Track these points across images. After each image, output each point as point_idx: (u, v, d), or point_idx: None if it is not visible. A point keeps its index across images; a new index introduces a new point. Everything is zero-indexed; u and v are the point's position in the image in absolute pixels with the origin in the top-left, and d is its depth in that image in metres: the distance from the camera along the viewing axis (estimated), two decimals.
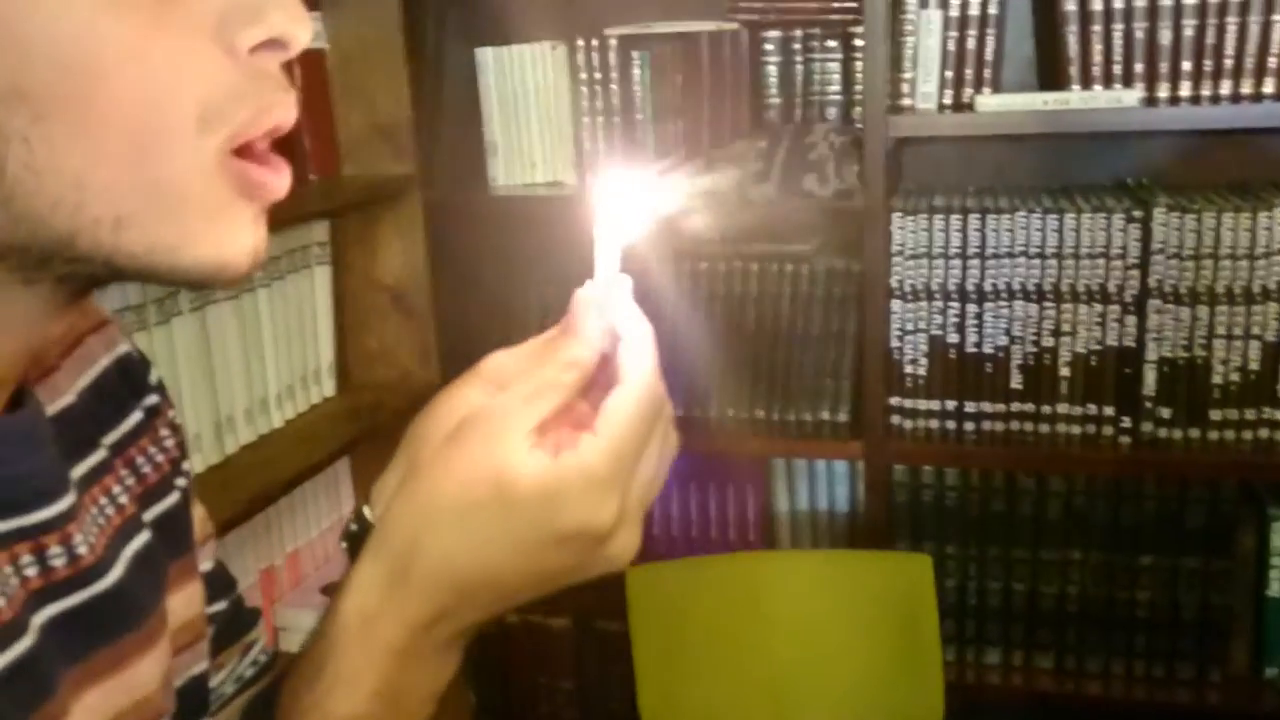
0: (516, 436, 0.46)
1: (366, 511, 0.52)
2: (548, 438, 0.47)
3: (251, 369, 1.29)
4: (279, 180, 0.43)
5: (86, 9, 0.35)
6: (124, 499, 0.50)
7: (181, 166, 0.39)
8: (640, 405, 0.47)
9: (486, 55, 1.74)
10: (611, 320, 0.49)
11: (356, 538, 0.51)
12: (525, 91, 1.75)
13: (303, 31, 0.40)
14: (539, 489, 0.45)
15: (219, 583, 0.59)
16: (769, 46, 1.67)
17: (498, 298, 1.84)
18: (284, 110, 0.42)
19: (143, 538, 0.50)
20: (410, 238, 1.43)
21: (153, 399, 0.56)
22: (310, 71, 1.38)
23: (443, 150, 1.77)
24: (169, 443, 0.56)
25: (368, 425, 1.35)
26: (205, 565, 0.58)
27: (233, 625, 0.60)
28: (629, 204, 0.49)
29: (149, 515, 0.52)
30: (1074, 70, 1.54)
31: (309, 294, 1.39)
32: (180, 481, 0.56)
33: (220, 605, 0.59)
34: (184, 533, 0.55)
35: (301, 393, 1.39)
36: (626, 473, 0.46)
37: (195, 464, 1.20)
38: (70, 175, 0.36)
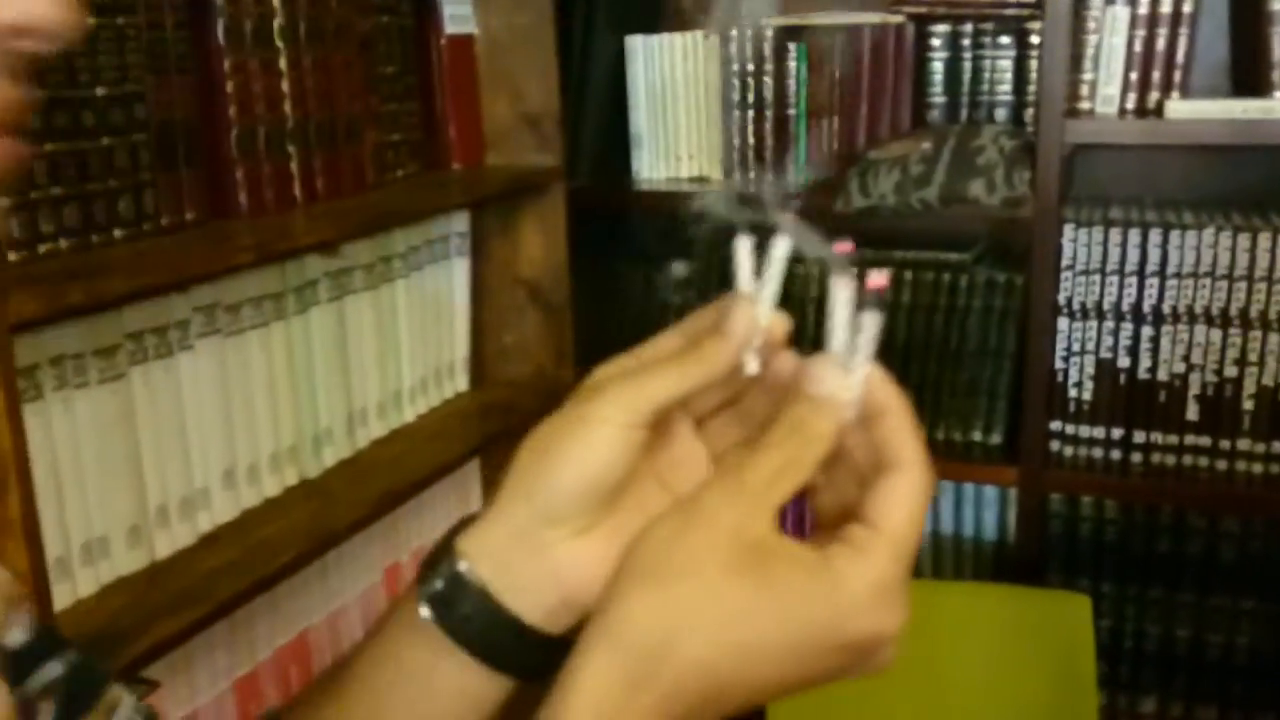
0: (767, 521, 0.41)
1: (463, 567, 0.46)
2: (821, 535, 0.43)
3: (386, 361, 1.26)
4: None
5: None
6: None
7: None
8: (923, 497, 0.43)
9: (636, 43, 1.68)
10: (854, 383, 0.43)
11: (445, 601, 0.46)
12: (674, 82, 1.69)
13: (62, 19, 0.34)
14: (824, 595, 0.41)
15: (42, 650, 0.48)
16: (935, 41, 1.57)
17: (636, 296, 1.78)
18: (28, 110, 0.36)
19: None
20: (552, 231, 1.38)
21: None
22: (458, 58, 1.34)
23: (586, 141, 1.72)
24: None
25: (500, 424, 1.31)
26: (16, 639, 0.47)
27: (82, 690, 0.49)
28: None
29: None
30: (1277, 75, 1.41)
31: (446, 286, 1.35)
32: None
33: (55, 672, 0.48)
34: None
35: (435, 388, 1.35)
36: (909, 571, 0.42)
37: (326, 457, 1.17)
38: None
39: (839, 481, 0.45)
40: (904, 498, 0.42)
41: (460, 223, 1.36)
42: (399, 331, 1.27)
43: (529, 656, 0.46)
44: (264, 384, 1.08)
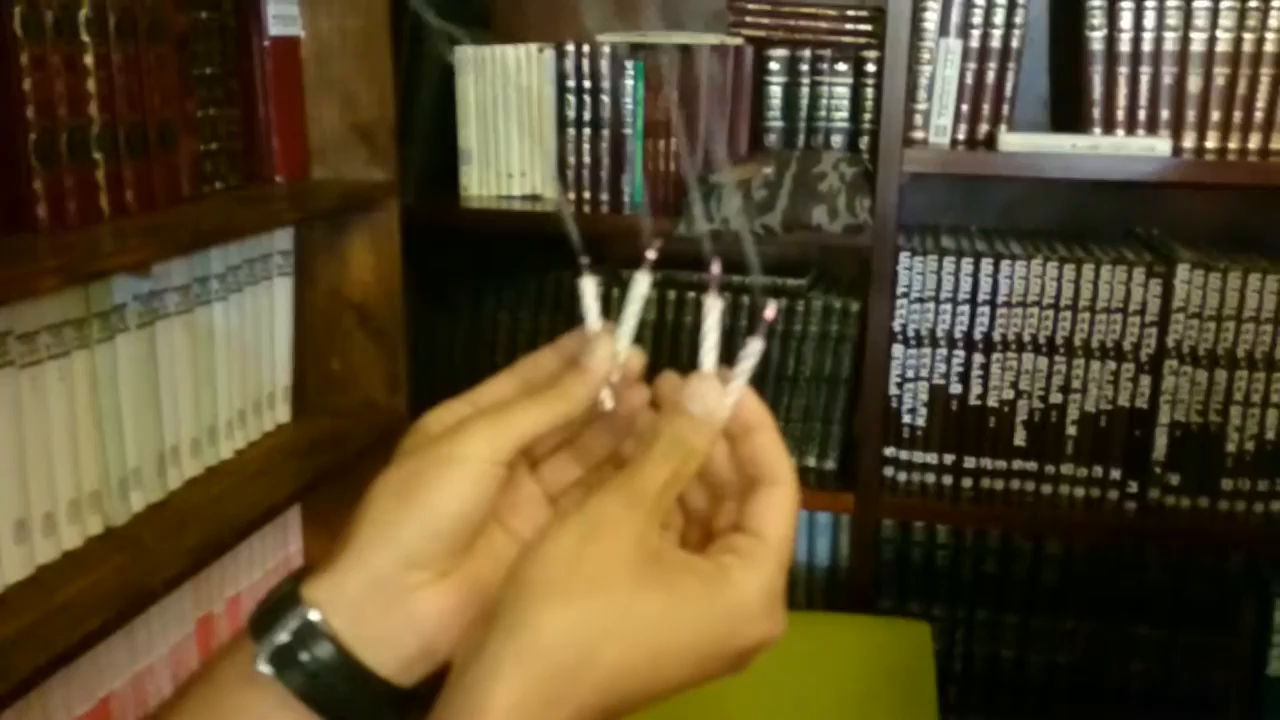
0: (658, 532, 0.43)
1: (315, 617, 0.43)
2: (715, 544, 0.45)
3: (201, 393, 1.13)
4: None
5: None
6: None
7: None
8: (797, 509, 0.45)
9: (466, 54, 1.60)
10: (731, 403, 0.45)
11: (289, 655, 0.42)
12: (505, 96, 1.62)
13: None
14: (725, 604, 0.42)
15: None
16: (774, 65, 1.56)
17: (466, 320, 1.70)
18: None
19: None
20: (384, 251, 1.28)
21: None
22: (282, 62, 1.23)
23: (412, 156, 1.62)
24: None
25: (328, 459, 1.20)
26: None
27: None
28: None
29: None
30: (1097, 113, 1.46)
31: (268, 308, 1.24)
32: None
33: None
34: None
35: (254, 420, 1.23)
36: (786, 576, 0.45)
37: (134, 501, 1.05)
38: None
39: (691, 492, 0.47)
40: (784, 509, 0.45)
41: (284, 240, 1.25)
42: (215, 360, 1.16)
43: (378, 713, 0.44)
44: (63, 421, 0.95)
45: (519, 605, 0.40)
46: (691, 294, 1.61)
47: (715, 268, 0.46)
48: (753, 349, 0.45)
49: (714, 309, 0.46)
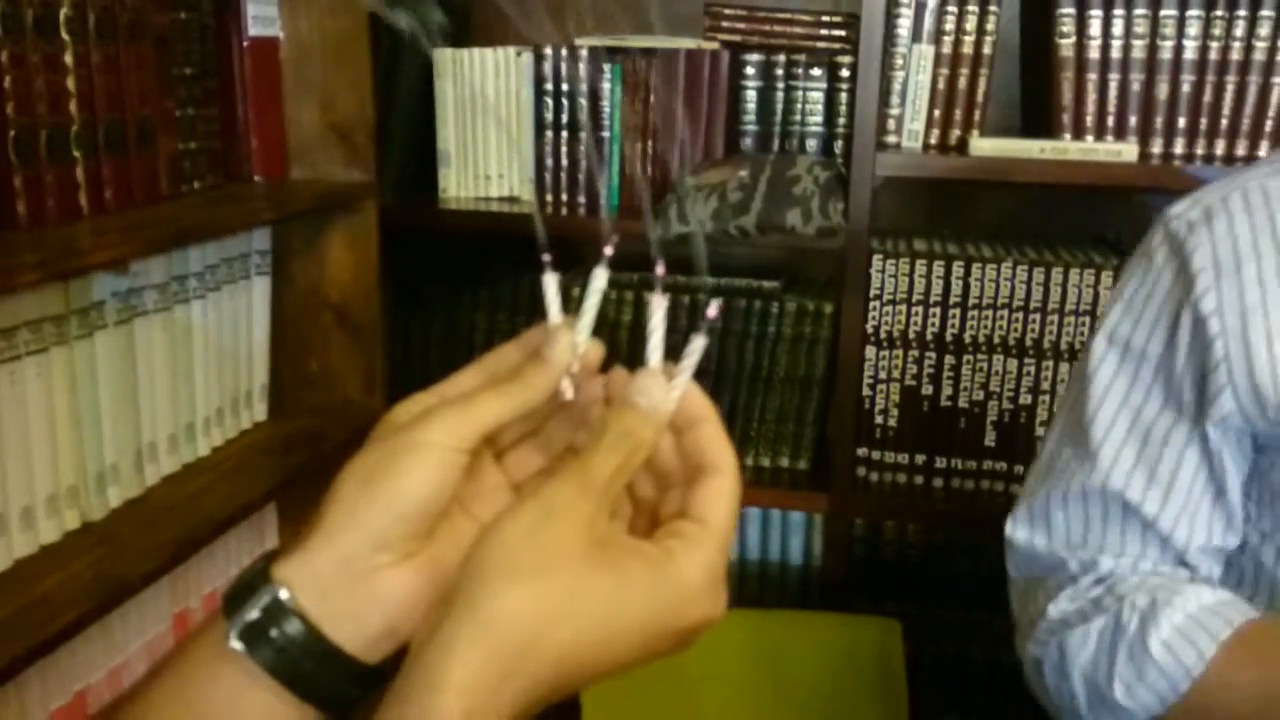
0: (607, 517, 0.45)
1: (283, 595, 0.45)
2: (661, 529, 0.47)
3: (179, 390, 1.14)
4: None
5: None
6: None
7: None
8: (738, 497, 0.47)
9: (445, 56, 1.61)
10: (676, 396, 0.47)
11: (259, 631, 0.44)
12: (484, 98, 1.63)
13: None
14: (670, 585, 0.44)
15: None
16: (749, 70, 1.58)
17: (442, 321, 1.71)
18: None
19: None
20: (362, 251, 1.30)
21: None
22: (261, 62, 1.24)
23: (390, 157, 1.63)
24: None
25: (304, 457, 1.21)
26: None
27: None
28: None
29: None
30: (1066, 118, 1.48)
31: (245, 307, 1.25)
32: None
33: None
34: None
35: (231, 417, 1.24)
36: (728, 559, 0.47)
37: (112, 497, 1.05)
38: None
39: (639, 482, 0.49)
40: (726, 497, 0.47)
41: (261, 240, 1.25)
42: (193, 357, 1.16)
43: (343, 688, 0.46)
44: (42, 416, 0.96)
45: (475, 585, 0.41)
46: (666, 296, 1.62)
47: (660, 268, 0.49)
48: (695, 346, 0.47)
49: (659, 308, 0.48)
